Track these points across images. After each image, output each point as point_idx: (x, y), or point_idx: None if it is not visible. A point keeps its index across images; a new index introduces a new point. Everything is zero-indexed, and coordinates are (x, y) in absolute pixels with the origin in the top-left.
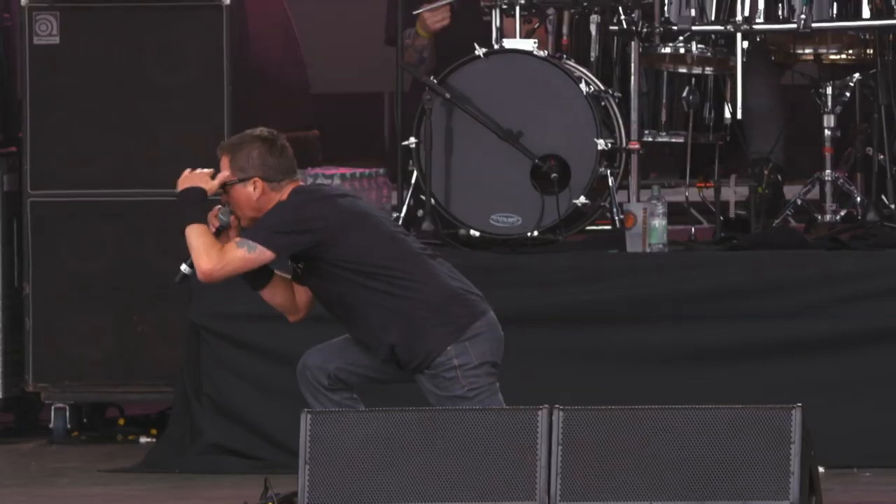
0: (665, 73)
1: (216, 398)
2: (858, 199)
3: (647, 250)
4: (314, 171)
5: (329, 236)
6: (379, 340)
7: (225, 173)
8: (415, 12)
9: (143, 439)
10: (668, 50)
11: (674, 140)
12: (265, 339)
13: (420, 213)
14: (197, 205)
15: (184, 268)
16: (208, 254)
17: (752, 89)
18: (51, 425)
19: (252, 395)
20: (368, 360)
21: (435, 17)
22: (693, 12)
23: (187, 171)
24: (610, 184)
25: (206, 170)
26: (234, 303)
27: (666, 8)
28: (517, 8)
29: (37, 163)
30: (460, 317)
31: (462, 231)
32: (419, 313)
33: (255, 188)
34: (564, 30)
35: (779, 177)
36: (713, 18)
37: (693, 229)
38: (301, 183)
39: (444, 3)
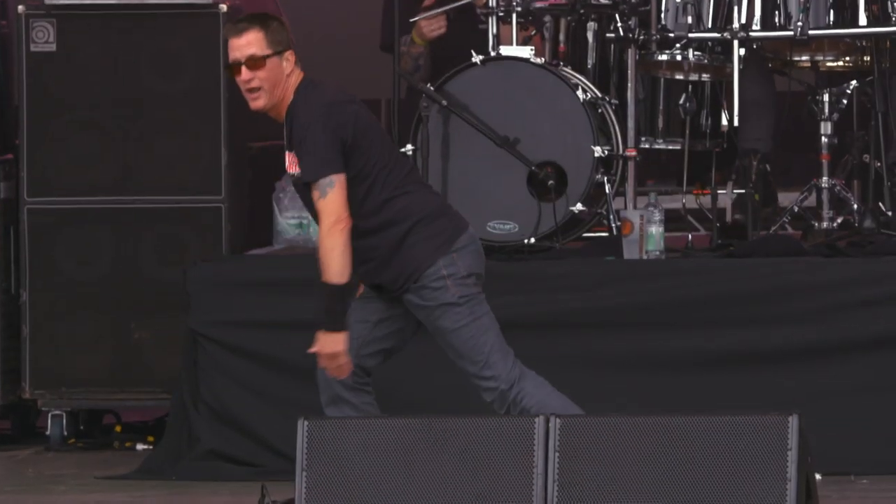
0: (662, 80)
1: (214, 405)
2: (855, 206)
3: (644, 257)
4: None
5: (352, 144)
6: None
7: None
8: (411, 20)
9: (140, 446)
10: (664, 57)
11: (670, 147)
12: (263, 346)
13: None
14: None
15: None
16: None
17: (744, 79)
18: (47, 432)
19: (250, 402)
20: (368, 326)
21: (431, 25)
22: (690, 19)
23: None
24: (607, 191)
25: None
26: (232, 310)
27: (663, 15)
28: (514, 15)
29: (34, 170)
30: (448, 230)
31: None
32: (410, 225)
33: (287, 62)
34: (561, 37)
35: (767, 167)
36: (710, 25)
37: (690, 236)
38: (302, 73)
39: (440, 11)
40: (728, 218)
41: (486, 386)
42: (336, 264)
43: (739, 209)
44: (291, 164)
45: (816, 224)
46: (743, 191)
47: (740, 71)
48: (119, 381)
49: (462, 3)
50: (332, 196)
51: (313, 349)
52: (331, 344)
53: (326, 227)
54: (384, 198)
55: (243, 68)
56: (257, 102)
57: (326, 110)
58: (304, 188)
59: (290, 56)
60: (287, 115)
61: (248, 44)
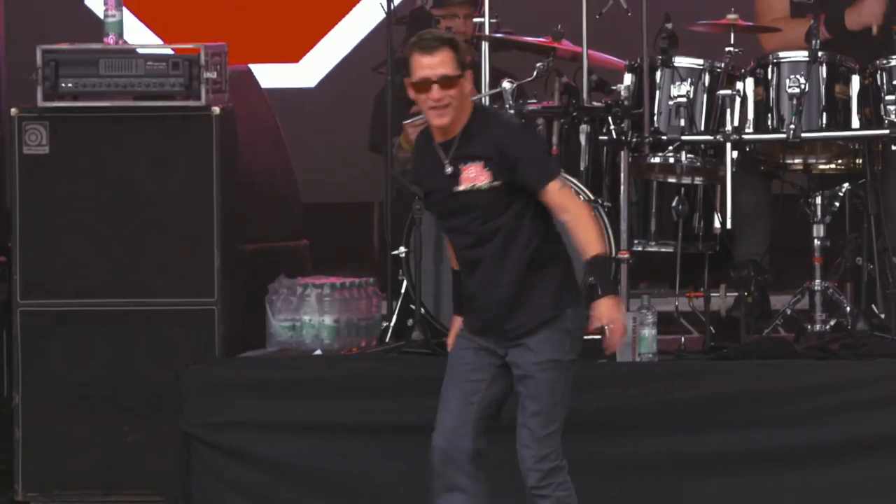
0: (654, 182)
1: None
2: (848, 308)
3: (637, 359)
4: (304, 280)
5: None
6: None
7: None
8: (403, 122)
9: None
10: (657, 160)
11: (663, 249)
12: (256, 448)
13: (410, 322)
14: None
15: None
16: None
17: (741, 193)
18: None
19: None
20: (483, 385)
21: (418, 132)
22: (682, 122)
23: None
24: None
25: None
26: (225, 412)
27: (655, 118)
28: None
29: (26, 272)
30: (576, 280)
31: None
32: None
33: (469, 82)
34: (554, 139)
35: (764, 278)
36: (702, 128)
37: (683, 339)
38: None
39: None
40: (722, 318)
41: (544, 453)
42: (600, 235)
43: (734, 311)
44: (472, 177)
45: (809, 327)
46: (736, 294)
47: (735, 178)
48: (111, 483)
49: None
50: (570, 192)
51: (599, 324)
52: (613, 309)
53: (577, 206)
54: (555, 239)
55: (435, 87)
56: (443, 119)
57: (526, 126)
58: (489, 195)
59: (470, 76)
60: (467, 130)
61: (441, 63)
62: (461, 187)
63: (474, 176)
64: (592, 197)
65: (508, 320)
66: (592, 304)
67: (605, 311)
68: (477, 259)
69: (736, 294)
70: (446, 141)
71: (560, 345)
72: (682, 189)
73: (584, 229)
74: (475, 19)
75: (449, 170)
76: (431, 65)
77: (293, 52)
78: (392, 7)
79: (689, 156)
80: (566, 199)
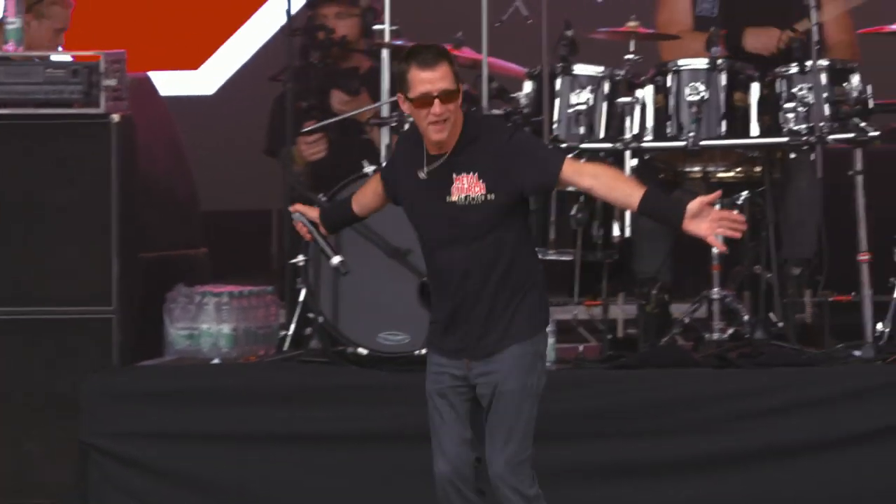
0: (554, 190)
1: None
2: (746, 317)
3: None
4: (202, 288)
5: None
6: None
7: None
8: (297, 136)
9: None
10: None
11: (562, 258)
12: (154, 457)
13: (308, 330)
14: None
15: (335, 261)
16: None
17: None
18: None
19: None
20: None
21: (311, 149)
22: (582, 129)
23: None
24: None
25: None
26: (123, 421)
27: (555, 125)
28: (406, 125)
29: None
30: (549, 308)
31: (350, 349)
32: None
33: (462, 97)
34: None
35: (666, 296)
36: (602, 136)
37: (581, 347)
38: None
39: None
40: (619, 331)
41: (523, 474)
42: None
43: (633, 321)
44: (465, 188)
45: (707, 335)
46: (636, 304)
47: None
48: (9, 492)
49: (341, 118)
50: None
51: (712, 232)
52: (701, 217)
53: (595, 166)
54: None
55: (437, 101)
56: (442, 134)
57: (517, 126)
58: (474, 210)
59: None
60: (461, 141)
61: (441, 77)
62: (453, 198)
63: (467, 187)
64: None
65: (483, 336)
66: (685, 228)
67: (698, 223)
68: (459, 272)
69: (635, 303)
70: (440, 154)
71: (531, 369)
72: (582, 197)
73: (615, 183)
74: (375, 27)
75: (439, 178)
76: (432, 79)
77: (192, 60)
78: (290, 16)
79: None
80: (582, 166)
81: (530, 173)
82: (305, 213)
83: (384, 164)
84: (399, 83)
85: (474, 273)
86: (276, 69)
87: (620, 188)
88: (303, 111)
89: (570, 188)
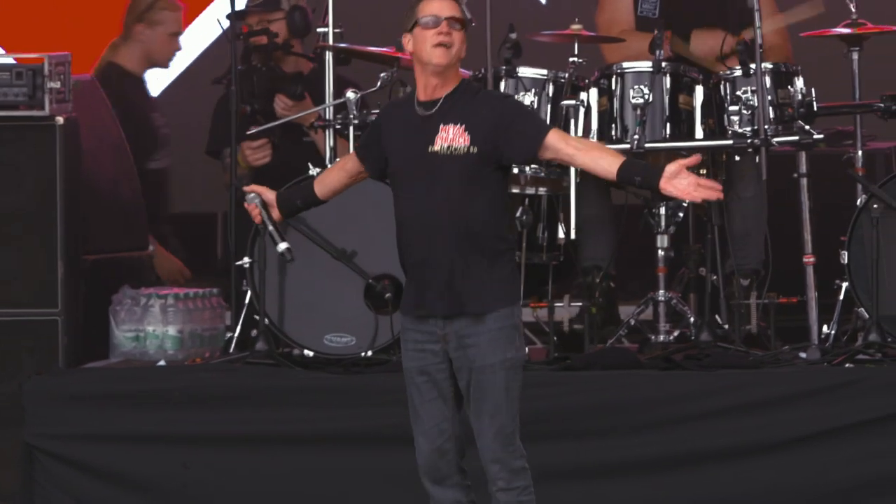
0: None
1: None
2: (692, 319)
3: None
4: (148, 291)
5: None
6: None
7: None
8: (242, 140)
9: None
10: None
11: None
12: (100, 459)
13: (254, 332)
14: None
15: (281, 247)
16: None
17: (584, 203)
18: None
19: None
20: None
21: (255, 154)
22: None
23: None
24: None
25: None
26: (69, 423)
27: None
28: (351, 128)
29: None
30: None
31: (296, 351)
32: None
33: (465, 44)
34: None
35: (611, 284)
36: None
37: (527, 349)
38: None
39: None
40: (565, 330)
41: (513, 446)
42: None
43: (578, 321)
44: (449, 138)
45: (653, 337)
46: (581, 304)
47: (579, 188)
48: None
49: (284, 121)
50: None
51: (685, 194)
52: (672, 173)
53: (579, 139)
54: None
55: (445, 22)
56: (443, 58)
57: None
58: (454, 161)
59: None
60: (452, 95)
61: (450, 7)
62: (435, 147)
63: (452, 137)
64: None
65: (457, 291)
66: (662, 188)
67: (675, 184)
68: (433, 223)
69: (580, 304)
70: (429, 101)
71: (510, 342)
72: (526, 199)
73: (597, 153)
74: (319, 29)
75: (425, 128)
76: (441, 7)
77: None
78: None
79: (532, 166)
80: (568, 137)
81: (517, 134)
82: (261, 194)
83: (360, 142)
84: (405, 22)
85: (445, 225)
86: (219, 73)
87: (602, 157)
88: (247, 116)
89: (515, 189)
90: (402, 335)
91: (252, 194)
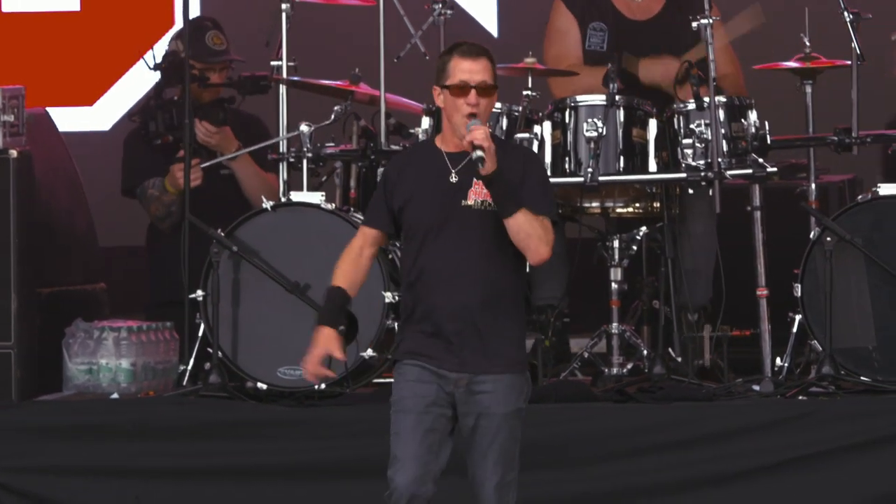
0: None
1: None
2: (645, 352)
3: None
4: (101, 324)
5: None
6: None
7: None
8: (171, 165)
9: None
10: None
11: None
12: (52, 492)
13: (207, 365)
14: None
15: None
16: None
17: None
18: None
19: None
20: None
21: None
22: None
23: None
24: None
25: None
26: (22, 456)
27: None
28: (304, 161)
29: None
30: None
31: (249, 384)
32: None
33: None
34: (352, 183)
35: (565, 320)
36: None
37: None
38: None
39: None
40: None
41: (509, 496)
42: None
43: (531, 355)
44: (483, 192)
45: (606, 370)
46: (534, 339)
47: None
48: None
49: (220, 160)
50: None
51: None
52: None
53: (549, 243)
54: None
55: (474, 91)
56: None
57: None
58: (482, 218)
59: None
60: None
61: (482, 69)
62: (469, 201)
63: (486, 192)
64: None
65: (484, 340)
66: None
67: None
68: (461, 276)
69: (534, 338)
70: (458, 152)
71: (521, 393)
72: None
73: (540, 236)
74: (272, 62)
75: (455, 179)
76: (472, 70)
77: (87, 96)
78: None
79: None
80: (548, 237)
81: (535, 196)
82: (331, 353)
83: (368, 213)
84: (437, 75)
85: (474, 279)
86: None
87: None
88: (168, 144)
89: None
90: (399, 368)
91: (322, 358)
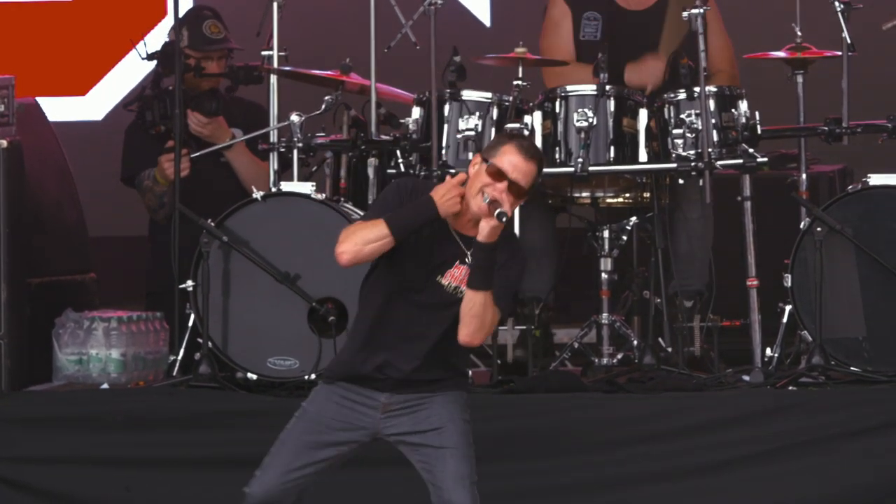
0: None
1: None
2: (635, 342)
3: None
4: (91, 314)
5: None
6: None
7: None
8: (160, 156)
9: None
10: None
11: None
12: (42, 482)
13: (197, 356)
14: None
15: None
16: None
17: (527, 227)
18: None
19: None
20: (338, 457)
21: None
22: (470, 155)
23: None
24: None
25: None
26: (12, 446)
27: (444, 151)
28: (295, 151)
29: None
30: None
31: (239, 374)
32: None
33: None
34: (342, 172)
35: (549, 314)
36: None
37: (470, 372)
38: None
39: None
40: (508, 355)
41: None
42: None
43: (521, 346)
44: (460, 278)
45: (597, 360)
46: (524, 327)
47: (522, 212)
48: None
49: (208, 151)
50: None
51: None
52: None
53: (486, 335)
54: None
55: (505, 185)
56: (483, 215)
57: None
58: (448, 298)
59: None
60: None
61: (529, 174)
62: (444, 280)
63: (462, 278)
64: None
65: (424, 372)
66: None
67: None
68: (415, 324)
69: (523, 328)
70: (460, 233)
71: (465, 408)
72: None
73: (486, 321)
74: (263, 52)
75: (444, 250)
76: (524, 170)
77: (80, 86)
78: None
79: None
80: (492, 320)
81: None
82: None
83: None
84: (489, 145)
85: (427, 333)
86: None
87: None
88: (162, 134)
89: None
90: (324, 385)
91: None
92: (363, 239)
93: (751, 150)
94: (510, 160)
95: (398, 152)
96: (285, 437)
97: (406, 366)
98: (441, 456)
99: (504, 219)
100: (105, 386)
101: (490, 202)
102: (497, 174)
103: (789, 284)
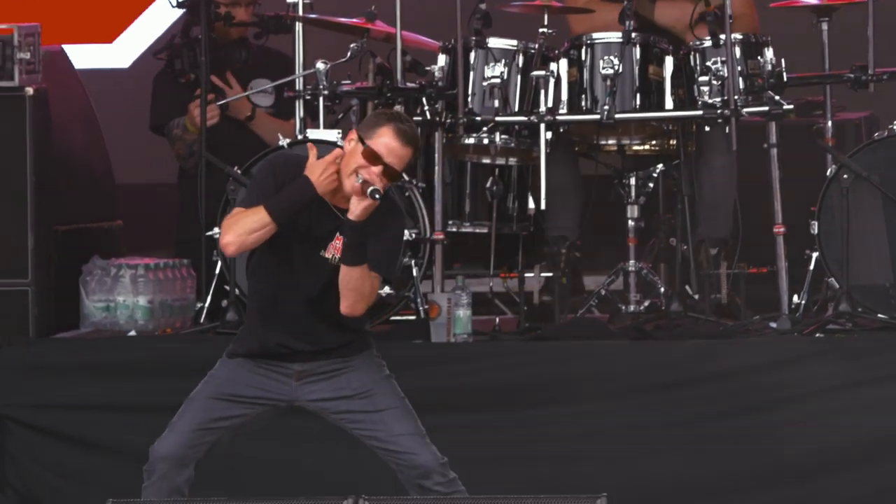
0: (469, 163)
1: (20, 489)
2: (662, 289)
3: (452, 340)
4: (118, 261)
5: None
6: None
7: None
8: (189, 104)
9: None
10: (471, 141)
11: (478, 230)
12: (70, 428)
13: (224, 303)
14: None
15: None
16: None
17: (551, 169)
18: None
19: (57, 486)
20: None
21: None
22: (496, 103)
23: None
24: (414, 274)
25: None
26: (40, 393)
27: (469, 99)
28: (321, 98)
29: None
30: None
31: None
32: None
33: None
34: None
35: (576, 254)
36: (516, 109)
37: (497, 319)
38: None
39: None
40: (535, 300)
41: (434, 453)
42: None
43: (548, 292)
44: (337, 249)
45: (624, 307)
46: (551, 274)
47: (549, 158)
48: None
49: (236, 98)
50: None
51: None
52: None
53: (368, 304)
54: None
55: (380, 169)
56: (357, 194)
57: (402, 217)
58: (334, 270)
59: None
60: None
61: (404, 158)
62: (327, 254)
63: (336, 247)
64: (407, 178)
65: (321, 342)
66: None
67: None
68: (304, 306)
69: (549, 275)
70: (338, 207)
71: (381, 363)
72: (497, 170)
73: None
74: (289, 0)
75: (323, 226)
76: (398, 154)
77: (107, 33)
78: None
79: (503, 137)
80: (373, 292)
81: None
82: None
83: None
84: (366, 123)
85: (314, 310)
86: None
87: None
88: (191, 83)
89: (486, 160)
90: (231, 359)
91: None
92: (246, 228)
93: (777, 98)
94: (386, 143)
95: (424, 100)
96: (194, 396)
97: (305, 338)
98: (381, 419)
99: (377, 196)
100: (132, 333)
101: (363, 182)
102: (372, 157)
103: (816, 231)
